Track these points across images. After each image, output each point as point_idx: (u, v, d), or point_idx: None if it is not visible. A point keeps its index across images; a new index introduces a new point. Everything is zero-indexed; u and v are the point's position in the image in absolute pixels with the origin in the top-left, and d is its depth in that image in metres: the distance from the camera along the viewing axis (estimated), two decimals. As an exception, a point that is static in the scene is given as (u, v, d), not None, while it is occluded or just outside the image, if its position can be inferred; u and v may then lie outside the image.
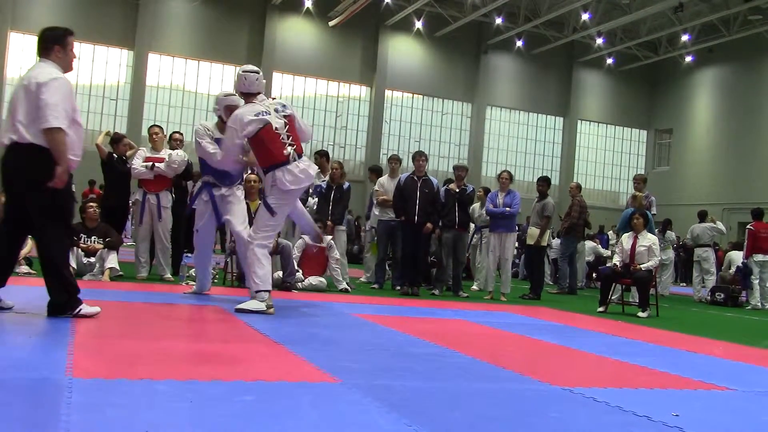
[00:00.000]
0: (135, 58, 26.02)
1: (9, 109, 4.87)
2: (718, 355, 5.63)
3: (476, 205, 11.46)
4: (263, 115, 6.16)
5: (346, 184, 10.27)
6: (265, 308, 5.96)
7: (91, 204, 8.61)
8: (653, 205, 11.39)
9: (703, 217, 14.04)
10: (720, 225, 14.22)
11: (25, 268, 8.10)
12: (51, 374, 3.06)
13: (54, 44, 4.91)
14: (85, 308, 4.90)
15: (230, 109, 6.55)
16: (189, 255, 9.64)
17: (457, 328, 6.36)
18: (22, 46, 25.06)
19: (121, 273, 8.35)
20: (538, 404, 3.29)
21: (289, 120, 6.31)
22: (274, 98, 6.58)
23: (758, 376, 4.80)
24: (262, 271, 6.07)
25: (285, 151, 6.13)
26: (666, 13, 26.61)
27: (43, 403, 2.65)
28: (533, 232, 11.05)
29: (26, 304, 5.61)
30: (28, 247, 8.52)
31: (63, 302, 4.82)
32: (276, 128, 6.15)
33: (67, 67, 4.92)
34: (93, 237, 8.27)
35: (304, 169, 6.20)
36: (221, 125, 6.75)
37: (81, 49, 25.70)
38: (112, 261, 8.02)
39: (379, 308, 7.43)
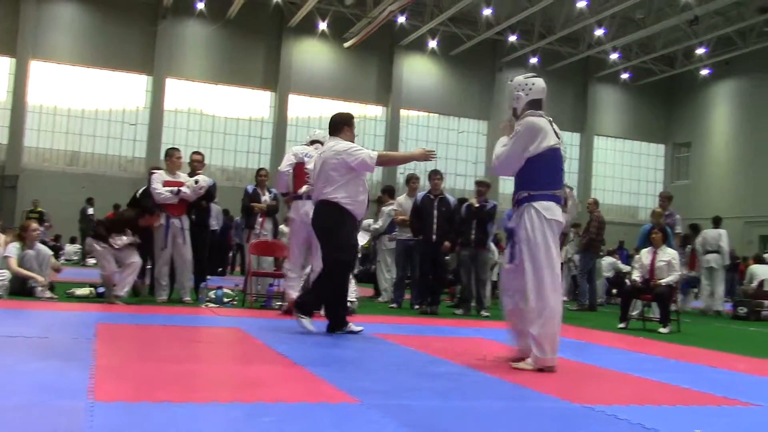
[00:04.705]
0: (153, 84, 26.34)
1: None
2: (742, 371, 5.56)
3: None
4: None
5: None
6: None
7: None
8: (677, 223, 11.28)
9: (717, 222, 13.69)
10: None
11: (48, 293, 8.17)
12: (73, 398, 3.09)
13: (344, 125, 6.17)
14: (352, 326, 6.10)
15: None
16: (210, 278, 9.66)
17: (477, 346, 6.34)
18: (43, 74, 25.46)
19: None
20: (559, 422, 3.27)
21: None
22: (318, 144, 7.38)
23: (783, 391, 4.73)
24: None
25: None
26: (681, 26, 26.54)
27: (65, 427, 2.68)
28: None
29: (48, 328, 5.68)
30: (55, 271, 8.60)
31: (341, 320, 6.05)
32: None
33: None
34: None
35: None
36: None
37: (100, 75, 26.12)
38: (127, 285, 8.04)
39: (398, 328, 7.41)
